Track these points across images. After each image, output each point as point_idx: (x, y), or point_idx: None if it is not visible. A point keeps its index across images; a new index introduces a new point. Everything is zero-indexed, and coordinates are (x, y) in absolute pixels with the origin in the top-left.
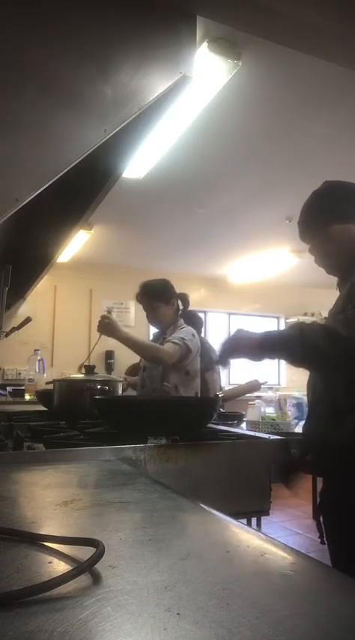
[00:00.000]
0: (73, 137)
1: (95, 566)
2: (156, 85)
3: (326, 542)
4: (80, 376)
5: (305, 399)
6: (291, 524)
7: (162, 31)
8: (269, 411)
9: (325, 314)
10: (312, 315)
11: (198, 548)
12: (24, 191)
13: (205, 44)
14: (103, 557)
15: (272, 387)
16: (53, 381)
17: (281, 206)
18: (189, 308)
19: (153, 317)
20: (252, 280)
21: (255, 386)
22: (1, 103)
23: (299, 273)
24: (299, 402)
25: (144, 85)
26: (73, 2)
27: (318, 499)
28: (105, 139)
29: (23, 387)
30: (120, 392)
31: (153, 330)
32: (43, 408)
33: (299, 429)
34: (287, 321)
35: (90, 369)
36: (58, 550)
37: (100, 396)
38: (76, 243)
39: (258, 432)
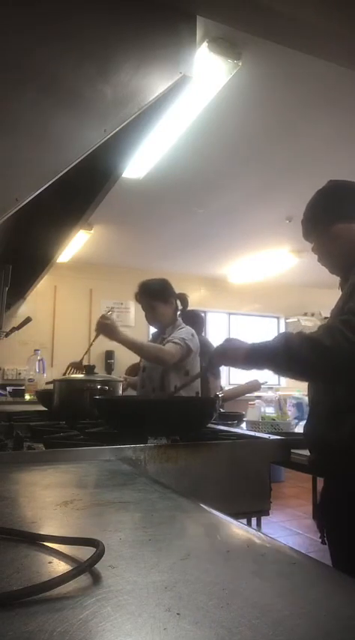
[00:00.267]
0: (73, 137)
1: (95, 566)
2: (156, 85)
3: (326, 542)
4: (80, 376)
5: (305, 399)
6: (291, 524)
7: (162, 31)
8: (269, 411)
9: (325, 314)
10: (312, 315)
11: (198, 548)
12: (24, 191)
13: (205, 44)
14: (103, 557)
15: (272, 387)
16: (53, 381)
17: (281, 206)
18: (189, 308)
19: (151, 316)
20: (252, 280)
21: (255, 386)
22: (1, 103)
23: (299, 273)
24: (299, 402)
25: (144, 85)
26: (73, 2)
27: (318, 499)
28: (105, 139)
29: (23, 387)
30: (120, 392)
31: (153, 330)
32: (43, 408)
33: (299, 429)
34: (288, 321)
35: (90, 369)
36: (58, 550)
37: (100, 396)
38: (76, 243)
39: (258, 432)
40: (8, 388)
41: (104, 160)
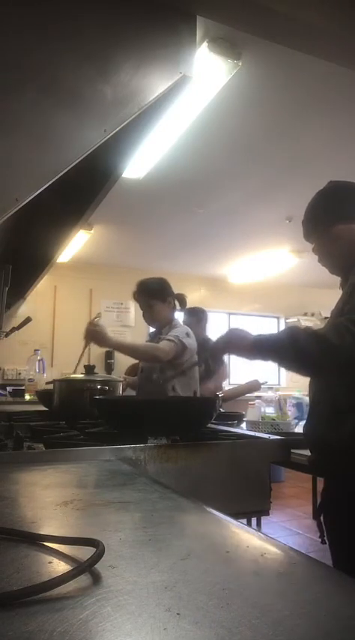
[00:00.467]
0: (73, 137)
1: (95, 566)
2: (156, 85)
3: (326, 542)
4: (80, 376)
5: (306, 399)
6: (291, 524)
7: (162, 31)
8: (270, 411)
9: (325, 314)
10: (312, 315)
11: (198, 548)
12: (24, 191)
13: (205, 44)
14: (103, 557)
15: (272, 387)
16: (53, 381)
17: (281, 206)
18: (190, 307)
19: (148, 315)
20: (252, 280)
21: (255, 386)
22: (1, 103)
23: (299, 273)
24: (299, 402)
25: (144, 85)
26: (73, 3)
27: (319, 499)
28: (106, 139)
29: (23, 387)
30: (120, 392)
31: (152, 329)
32: (43, 408)
33: (299, 429)
34: (288, 321)
35: (90, 369)
36: (58, 550)
37: (100, 396)
38: (76, 243)
39: (258, 432)
40: (8, 388)
41: (104, 159)
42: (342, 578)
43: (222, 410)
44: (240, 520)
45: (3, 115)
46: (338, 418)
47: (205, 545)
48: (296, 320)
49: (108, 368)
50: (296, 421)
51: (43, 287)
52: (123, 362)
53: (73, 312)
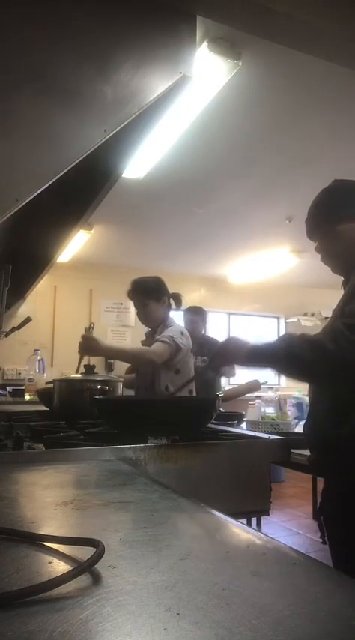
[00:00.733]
0: (73, 137)
1: (95, 566)
2: (156, 85)
3: (326, 542)
4: (80, 376)
5: (306, 399)
6: (291, 524)
7: (162, 31)
8: (269, 411)
9: (325, 314)
10: (312, 315)
11: (198, 548)
12: (24, 191)
13: (205, 44)
14: (103, 557)
15: (272, 387)
16: (53, 381)
17: (281, 206)
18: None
19: (142, 314)
20: (252, 280)
21: (255, 386)
22: (1, 103)
23: (299, 273)
24: (299, 402)
25: (144, 85)
26: (73, 3)
27: (319, 499)
28: (106, 138)
29: (23, 387)
30: (120, 392)
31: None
32: (43, 408)
33: (299, 429)
34: (288, 321)
35: (90, 369)
36: (58, 550)
37: (100, 396)
38: (76, 243)
39: (258, 432)
40: (8, 388)
41: (104, 159)
42: (342, 578)
43: (222, 410)
44: (240, 520)
45: (3, 116)
46: (338, 418)
47: (205, 545)
48: (296, 320)
49: (108, 368)
50: (296, 421)
51: (43, 287)
52: (123, 362)
53: (73, 312)
